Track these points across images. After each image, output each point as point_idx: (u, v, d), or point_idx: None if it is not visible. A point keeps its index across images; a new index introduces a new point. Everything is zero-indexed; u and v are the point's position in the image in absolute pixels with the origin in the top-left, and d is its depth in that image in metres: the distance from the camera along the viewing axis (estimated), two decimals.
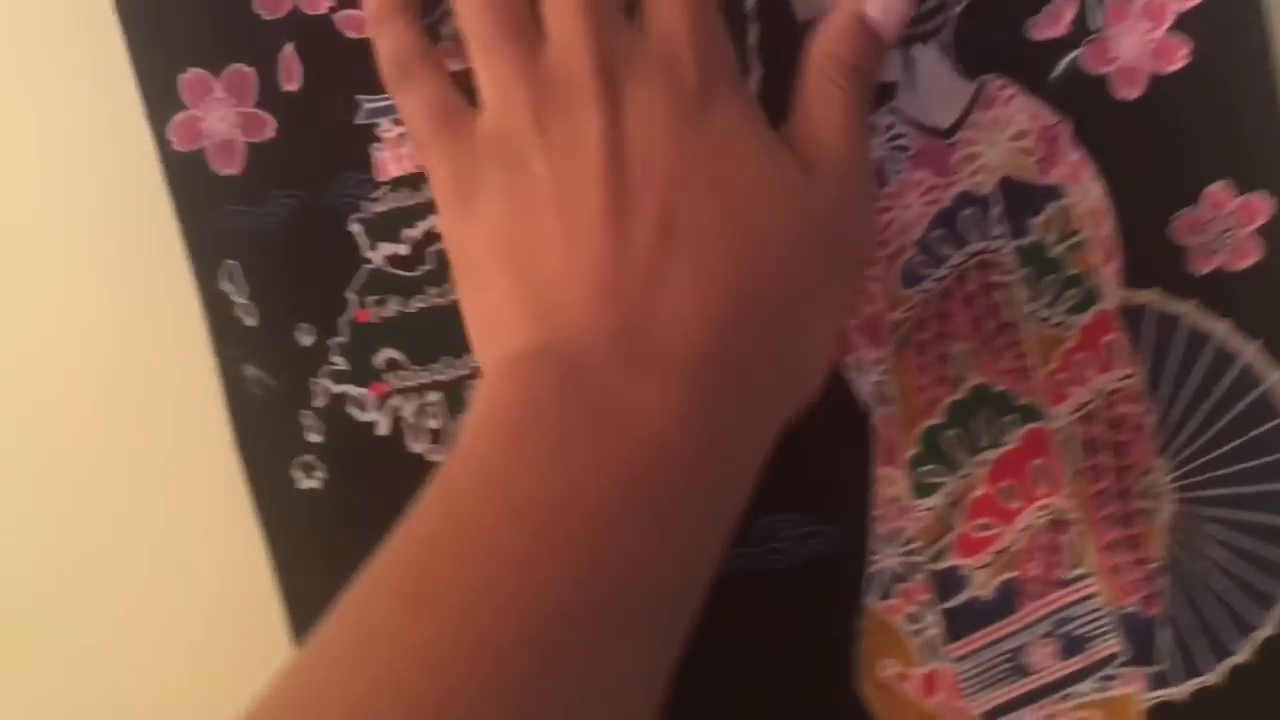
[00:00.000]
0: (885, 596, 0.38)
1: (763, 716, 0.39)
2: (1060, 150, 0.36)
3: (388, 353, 0.37)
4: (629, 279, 0.31)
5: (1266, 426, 0.37)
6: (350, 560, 0.38)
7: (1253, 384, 0.36)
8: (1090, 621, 0.38)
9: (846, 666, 0.38)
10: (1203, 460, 0.37)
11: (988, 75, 0.36)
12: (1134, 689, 0.38)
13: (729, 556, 0.32)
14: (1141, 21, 0.35)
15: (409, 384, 0.38)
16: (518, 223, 0.32)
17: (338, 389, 0.38)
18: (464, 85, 0.34)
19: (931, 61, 0.36)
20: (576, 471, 0.30)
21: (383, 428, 0.38)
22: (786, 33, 0.35)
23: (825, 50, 0.34)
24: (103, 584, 0.39)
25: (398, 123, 0.36)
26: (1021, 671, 0.38)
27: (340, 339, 0.37)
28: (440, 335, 0.37)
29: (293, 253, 0.37)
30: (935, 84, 0.36)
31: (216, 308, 0.37)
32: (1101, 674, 0.38)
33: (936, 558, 0.38)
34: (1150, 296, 0.36)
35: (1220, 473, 0.37)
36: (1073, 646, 0.38)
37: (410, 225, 0.37)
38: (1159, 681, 0.38)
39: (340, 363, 0.37)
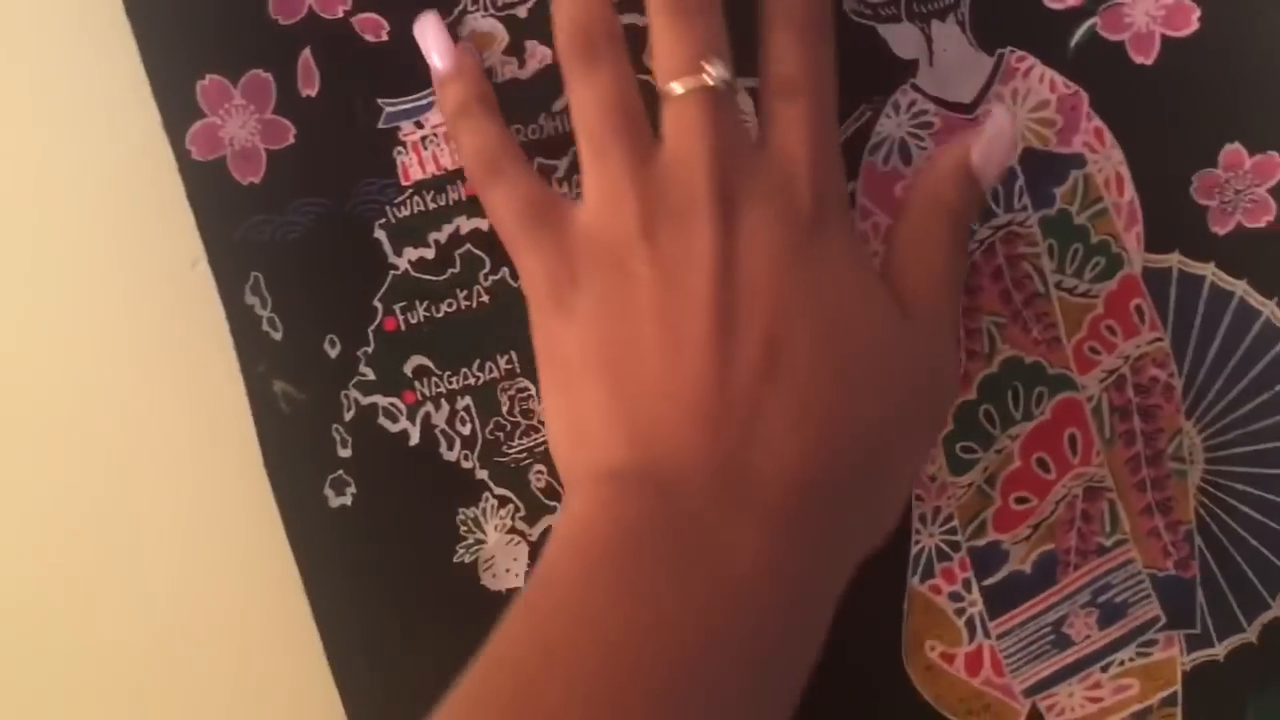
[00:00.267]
0: (928, 576, 0.38)
1: (814, 703, 0.38)
2: (1080, 119, 0.36)
3: (417, 360, 0.37)
4: (730, 409, 0.30)
5: None
6: (381, 578, 0.37)
7: (1275, 340, 0.37)
8: (1129, 588, 0.38)
9: (895, 649, 0.38)
10: (1229, 419, 0.38)
11: (1006, 48, 0.36)
12: (1172, 652, 0.38)
13: None
14: None
15: (440, 391, 0.37)
16: (617, 331, 0.31)
17: (367, 400, 0.37)
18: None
19: (950, 37, 0.36)
20: (668, 613, 0.29)
21: (414, 437, 0.37)
22: None
23: (930, 191, 0.34)
24: (131, 613, 0.38)
25: (420, 125, 0.36)
26: (1064, 643, 0.38)
27: (368, 348, 0.37)
28: (470, 339, 0.37)
29: (317, 262, 0.36)
30: (955, 59, 0.36)
31: (242, 322, 0.36)
32: (1142, 639, 0.38)
33: (976, 534, 0.38)
34: (1172, 259, 0.37)
35: (1246, 430, 0.38)
36: (1113, 614, 0.38)
37: (436, 228, 0.36)
38: (1196, 643, 0.38)
39: (369, 373, 0.37)
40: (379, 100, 0.36)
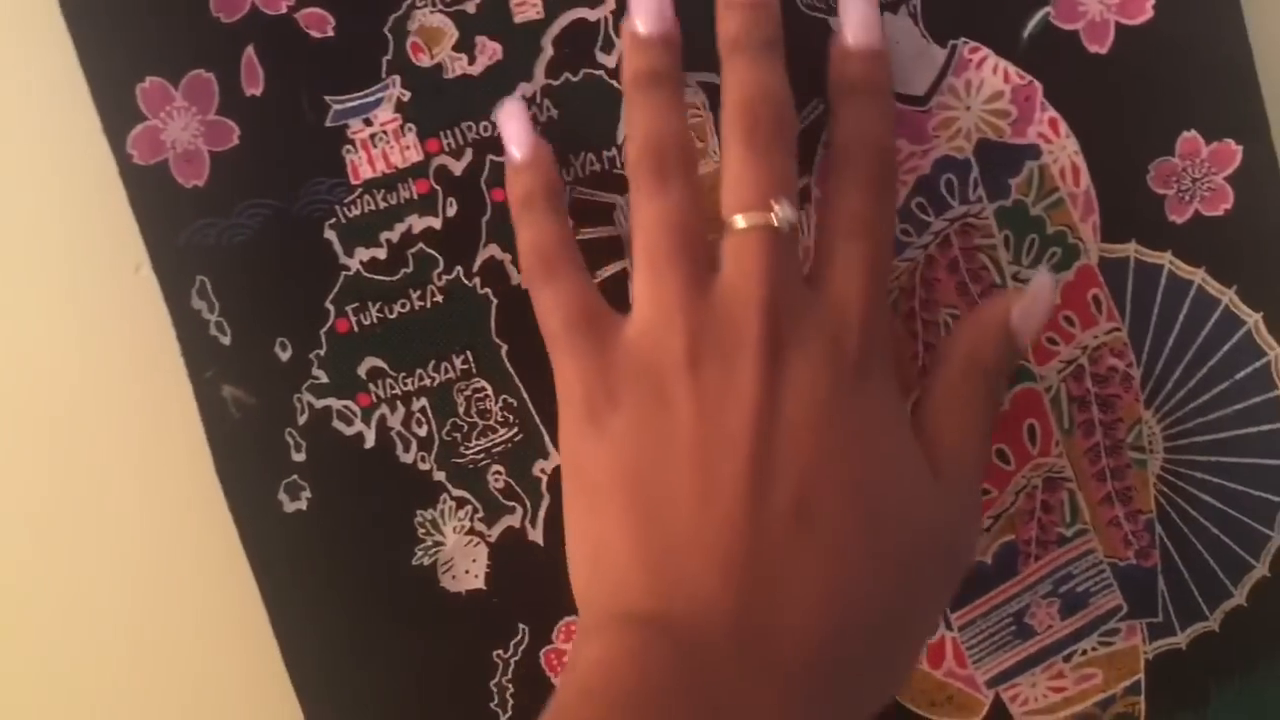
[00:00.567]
0: None
1: None
2: (1034, 109, 0.36)
3: (371, 361, 0.36)
4: (759, 563, 0.30)
5: (1247, 370, 0.37)
6: (339, 582, 0.37)
7: (1232, 329, 0.37)
8: (1091, 577, 0.38)
9: None
10: (1188, 408, 0.37)
11: (958, 39, 0.36)
12: (1135, 641, 0.38)
13: None
14: None
15: (395, 392, 0.36)
16: (651, 460, 0.31)
17: (320, 403, 0.36)
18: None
19: (902, 29, 0.36)
20: None
21: (370, 440, 0.36)
22: None
23: (968, 351, 0.34)
24: (85, 624, 0.38)
25: (369, 122, 0.35)
26: (1026, 634, 0.38)
27: (320, 351, 0.36)
28: (425, 340, 0.36)
29: (266, 264, 0.35)
30: (907, 51, 0.36)
31: (189, 327, 0.35)
32: (1104, 629, 0.38)
33: None
34: (1129, 249, 0.37)
35: (1205, 419, 0.38)
36: (1075, 604, 0.38)
37: (388, 228, 0.36)
38: (1159, 632, 0.38)
39: (322, 376, 0.36)
40: (326, 98, 0.35)
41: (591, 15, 0.35)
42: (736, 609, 0.30)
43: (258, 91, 0.35)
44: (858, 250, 0.33)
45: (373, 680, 0.37)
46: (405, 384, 0.36)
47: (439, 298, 0.36)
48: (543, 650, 0.37)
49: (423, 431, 0.37)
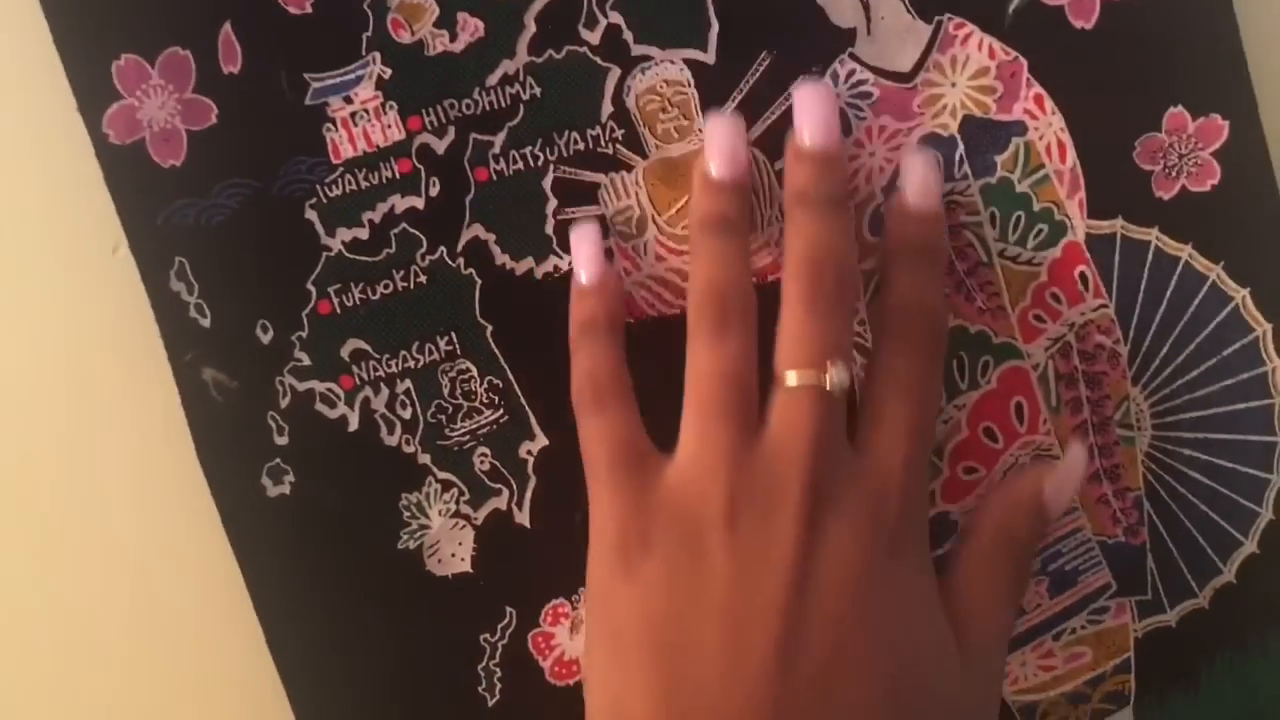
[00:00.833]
0: None
1: None
2: (1020, 85, 0.36)
3: (354, 343, 0.36)
4: None
5: (1235, 346, 0.37)
6: (324, 567, 0.36)
7: (1220, 304, 0.37)
8: (1079, 555, 0.38)
9: None
10: (1175, 385, 0.37)
11: (944, 15, 0.36)
12: (1124, 619, 0.38)
13: None
14: None
15: (378, 374, 0.36)
16: (680, 613, 0.31)
17: (303, 386, 0.36)
18: None
19: (888, 5, 0.35)
20: None
21: (353, 423, 0.36)
22: None
23: (1000, 523, 0.34)
24: (66, 612, 0.37)
25: (349, 100, 0.35)
26: None
27: (302, 333, 0.36)
28: (408, 321, 0.36)
29: (245, 245, 0.35)
30: (893, 27, 0.35)
31: (168, 309, 0.35)
32: (1093, 607, 0.38)
33: None
34: (1116, 225, 0.37)
35: (1193, 395, 0.37)
36: (1064, 582, 0.38)
37: (370, 208, 0.35)
38: (1148, 609, 0.38)
39: (304, 358, 0.36)
40: (305, 75, 0.35)
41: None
42: None
43: (236, 69, 0.34)
44: (904, 415, 0.33)
45: (359, 664, 0.37)
46: (389, 366, 0.36)
47: (422, 278, 0.36)
48: (530, 633, 0.37)
49: (407, 414, 0.36)
